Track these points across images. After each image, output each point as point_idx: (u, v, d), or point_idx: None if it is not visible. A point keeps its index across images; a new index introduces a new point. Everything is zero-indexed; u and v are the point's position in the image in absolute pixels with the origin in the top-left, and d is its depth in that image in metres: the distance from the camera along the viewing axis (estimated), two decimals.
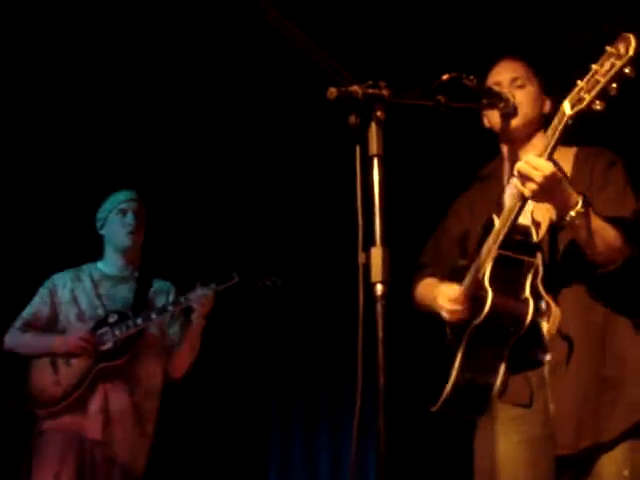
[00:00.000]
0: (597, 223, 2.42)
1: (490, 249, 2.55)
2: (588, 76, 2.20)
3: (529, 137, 2.75)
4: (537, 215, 2.57)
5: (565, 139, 2.38)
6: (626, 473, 2.45)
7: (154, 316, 3.74)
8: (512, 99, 2.66)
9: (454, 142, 4.46)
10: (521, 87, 2.71)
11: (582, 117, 2.25)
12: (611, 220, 2.45)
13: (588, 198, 2.42)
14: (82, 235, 4.20)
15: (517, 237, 2.55)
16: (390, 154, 2.01)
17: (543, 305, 2.53)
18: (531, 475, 2.55)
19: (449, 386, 2.62)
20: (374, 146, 2.00)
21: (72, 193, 4.92)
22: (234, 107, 4.94)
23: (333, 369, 5.44)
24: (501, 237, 2.52)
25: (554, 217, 2.56)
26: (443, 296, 2.67)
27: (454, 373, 2.61)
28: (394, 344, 1.95)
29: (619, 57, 2.13)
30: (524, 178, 2.34)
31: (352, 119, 2.01)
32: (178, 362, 3.84)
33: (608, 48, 2.16)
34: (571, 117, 2.26)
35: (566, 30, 4.17)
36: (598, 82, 2.17)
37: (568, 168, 2.62)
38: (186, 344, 3.81)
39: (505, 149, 2.82)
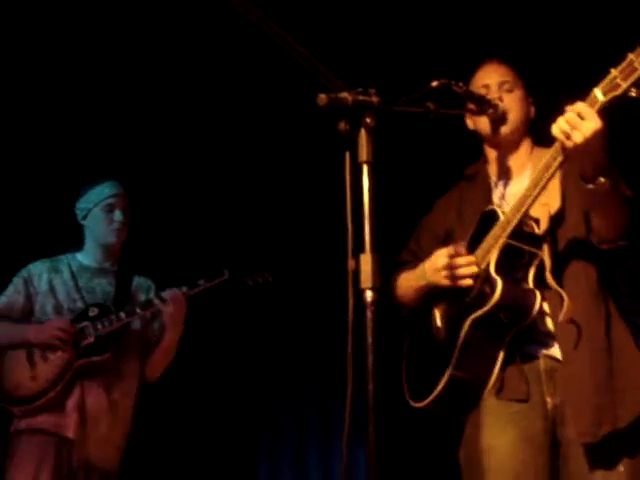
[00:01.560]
0: (619, 193, 2.43)
1: (497, 238, 2.54)
2: (624, 64, 2.24)
3: (517, 143, 2.78)
4: (535, 212, 2.57)
5: (544, 140, 2.41)
6: (622, 469, 2.48)
7: (139, 310, 3.61)
8: (500, 105, 2.68)
9: (443, 147, 4.48)
10: (509, 91, 2.74)
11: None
12: None
13: None
14: (58, 223, 4.04)
15: (525, 228, 2.55)
16: (380, 160, 2.02)
17: (554, 296, 2.53)
18: (530, 471, 2.54)
19: (443, 382, 2.58)
20: (364, 153, 2.00)
21: (48, 179, 4.75)
22: (226, 110, 4.93)
23: (323, 374, 5.45)
24: (513, 224, 2.51)
25: (552, 212, 2.58)
26: (438, 255, 2.62)
27: (449, 367, 2.57)
28: (384, 350, 1.95)
29: None
30: (571, 128, 2.29)
31: (341, 125, 2.02)
32: (152, 364, 3.71)
33: None
34: (604, 103, 2.27)
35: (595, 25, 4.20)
36: (636, 70, 2.21)
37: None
38: (160, 348, 3.69)
39: (492, 153, 2.83)
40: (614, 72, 2.25)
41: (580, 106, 2.30)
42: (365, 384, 1.93)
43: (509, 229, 2.52)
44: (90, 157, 4.66)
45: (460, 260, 2.58)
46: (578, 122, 2.28)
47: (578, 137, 2.28)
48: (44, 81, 4.61)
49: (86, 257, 3.78)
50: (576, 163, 2.42)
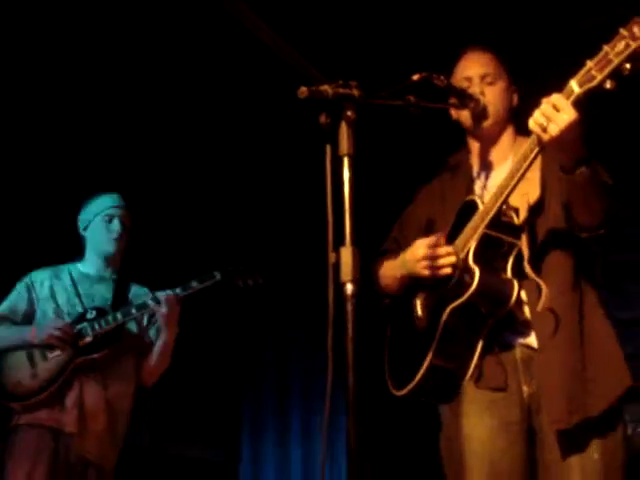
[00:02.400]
0: (598, 181, 2.43)
1: (476, 228, 2.55)
2: (599, 56, 2.24)
3: (499, 134, 2.78)
4: (514, 201, 2.58)
5: (526, 130, 2.42)
6: (596, 456, 2.50)
7: (134, 311, 3.72)
8: (482, 99, 2.68)
9: (424, 139, 4.48)
10: (491, 84, 2.73)
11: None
12: None
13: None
14: (61, 234, 4.19)
15: (503, 218, 2.55)
16: (361, 153, 2.02)
17: (532, 285, 2.54)
18: (506, 459, 2.56)
19: (422, 369, 2.60)
20: (344, 145, 2.00)
21: (51, 192, 4.93)
22: (206, 108, 4.94)
23: (305, 367, 5.46)
24: (491, 214, 2.52)
25: (531, 202, 2.60)
26: (417, 246, 2.64)
27: (429, 356, 2.58)
28: (365, 343, 1.96)
29: (634, 38, 2.18)
30: (546, 120, 2.31)
31: (322, 118, 2.01)
32: (149, 368, 3.81)
33: (622, 30, 2.20)
34: (580, 95, 2.27)
35: (581, 14, 4.22)
36: (611, 61, 2.21)
37: (536, 161, 2.65)
38: (155, 351, 3.79)
39: (474, 144, 2.83)
40: (590, 64, 2.26)
41: (555, 98, 2.31)
42: (345, 376, 1.93)
43: (487, 219, 2.53)
44: (89, 171, 4.84)
45: (439, 250, 2.60)
46: (554, 114, 2.30)
47: (554, 129, 2.30)
48: (48, 94, 4.73)
49: (86, 266, 3.92)
50: (554, 154, 2.43)
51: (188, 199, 5.30)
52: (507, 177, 2.50)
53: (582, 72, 2.28)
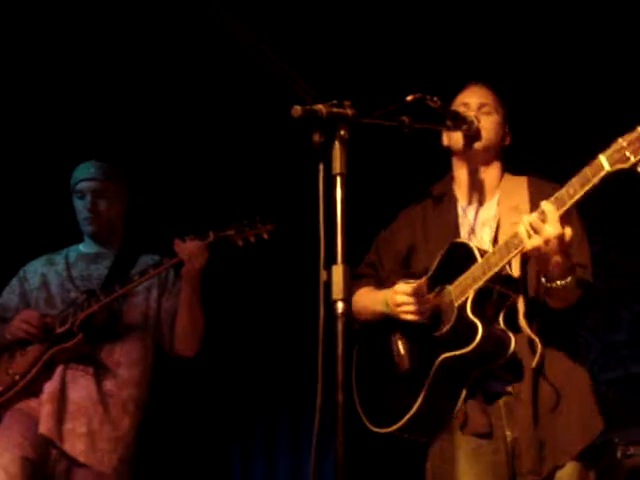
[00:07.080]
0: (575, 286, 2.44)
1: (476, 279, 2.51)
2: (632, 136, 2.16)
3: (487, 163, 2.79)
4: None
5: (513, 169, 2.42)
6: None
7: (118, 289, 3.32)
8: (476, 122, 2.69)
9: (415, 160, 4.50)
10: (488, 114, 2.75)
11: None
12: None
13: None
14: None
15: (503, 271, 2.53)
16: (354, 172, 2.03)
17: (526, 339, 2.54)
18: None
19: (410, 414, 2.59)
20: (337, 165, 2.01)
21: (49, 165, 4.63)
22: (200, 120, 4.94)
23: (294, 386, 5.44)
24: (494, 270, 2.48)
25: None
26: (399, 293, 2.63)
27: (418, 402, 2.58)
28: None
29: None
30: (532, 230, 2.32)
31: (316, 137, 2.02)
32: (180, 337, 3.43)
33: None
34: (609, 173, 2.20)
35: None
36: None
37: (524, 198, 2.67)
38: (181, 314, 3.39)
39: (461, 170, 2.82)
40: (622, 142, 2.18)
41: (547, 208, 2.30)
42: (335, 395, 1.93)
43: (490, 273, 2.49)
44: (87, 139, 4.59)
45: (420, 301, 2.59)
46: (539, 225, 2.30)
47: (537, 241, 2.31)
48: (35, 72, 4.61)
49: (85, 244, 3.60)
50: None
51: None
52: (513, 236, 2.44)
53: (613, 149, 2.20)
